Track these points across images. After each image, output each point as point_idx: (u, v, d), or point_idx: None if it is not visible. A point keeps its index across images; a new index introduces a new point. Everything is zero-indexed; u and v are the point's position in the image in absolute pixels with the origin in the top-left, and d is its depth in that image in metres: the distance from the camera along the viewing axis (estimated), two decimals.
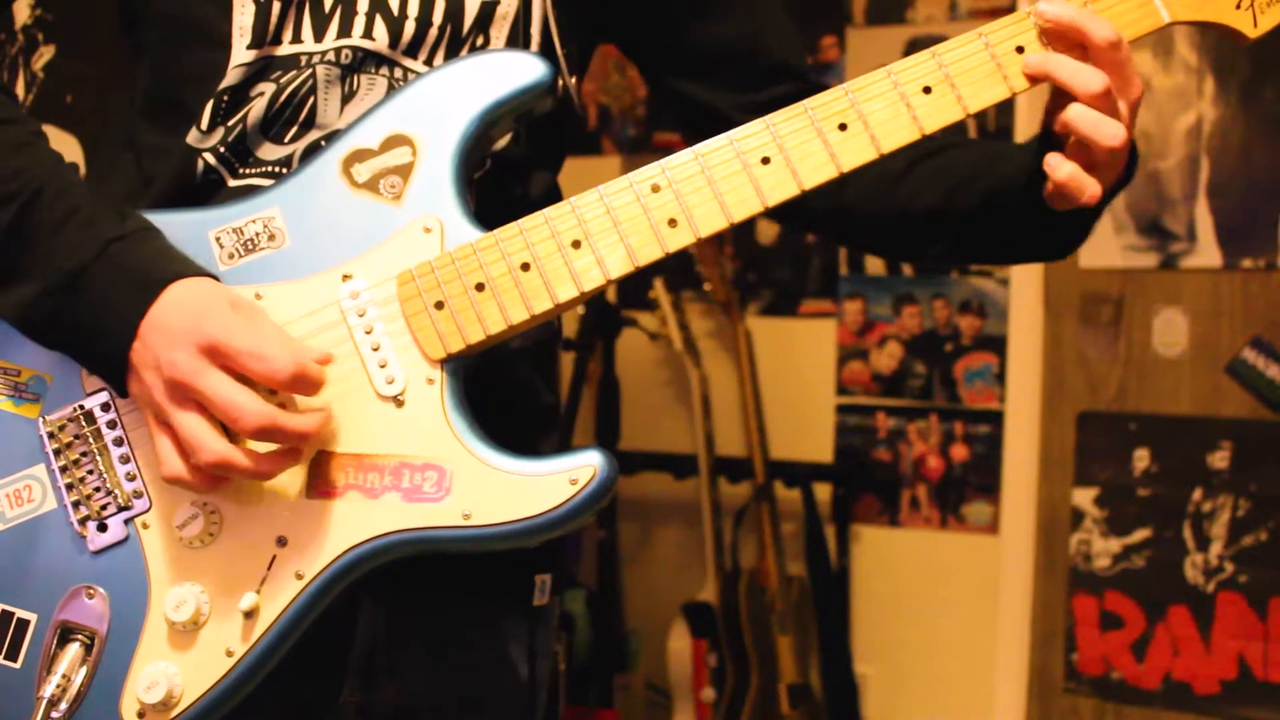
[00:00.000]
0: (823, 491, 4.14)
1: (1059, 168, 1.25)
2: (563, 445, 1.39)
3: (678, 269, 4.13)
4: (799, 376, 4.29)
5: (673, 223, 1.23)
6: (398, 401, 1.21)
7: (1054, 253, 1.42)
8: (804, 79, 1.49)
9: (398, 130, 1.25)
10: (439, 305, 1.22)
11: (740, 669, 3.93)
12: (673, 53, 1.52)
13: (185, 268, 1.21)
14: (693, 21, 1.49)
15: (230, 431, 1.17)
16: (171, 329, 1.17)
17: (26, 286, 1.21)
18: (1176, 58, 3.58)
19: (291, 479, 1.21)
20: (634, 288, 4.19)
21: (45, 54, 3.02)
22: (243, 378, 1.17)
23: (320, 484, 1.21)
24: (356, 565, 1.20)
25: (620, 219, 1.23)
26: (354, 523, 1.20)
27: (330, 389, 1.21)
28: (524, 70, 1.25)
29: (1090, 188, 1.25)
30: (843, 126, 1.24)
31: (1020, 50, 1.25)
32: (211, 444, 1.15)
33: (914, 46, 4.04)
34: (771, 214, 1.27)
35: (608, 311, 4.04)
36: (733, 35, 1.50)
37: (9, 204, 1.21)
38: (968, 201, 1.42)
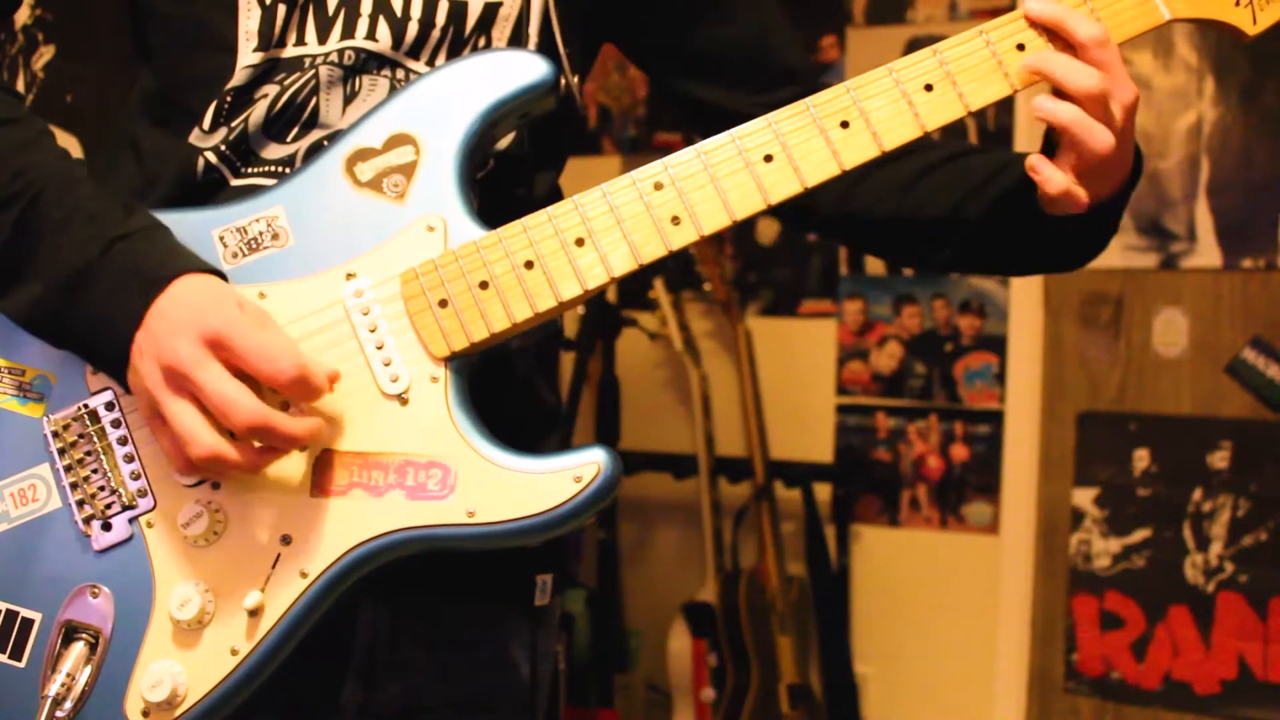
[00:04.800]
0: (823, 491, 4.14)
1: (1040, 169, 1.24)
2: (564, 445, 1.39)
3: (678, 269, 4.14)
4: (799, 376, 4.29)
5: (676, 220, 1.23)
6: (402, 400, 1.22)
7: (1061, 264, 1.41)
8: (812, 82, 1.46)
9: (401, 129, 1.25)
10: (443, 303, 1.22)
11: (740, 669, 3.93)
12: (675, 54, 1.51)
13: (191, 264, 1.21)
14: (695, 22, 1.49)
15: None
16: (175, 319, 1.16)
17: (32, 286, 1.21)
18: (1176, 58, 3.58)
19: (296, 477, 1.21)
20: (634, 288, 4.19)
21: (45, 54, 3.02)
22: (242, 375, 1.16)
23: (324, 482, 1.21)
24: (361, 563, 1.20)
25: (623, 216, 1.23)
26: (358, 521, 1.20)
27: (335, 388, 1.21)
28: (526, 69, 1.25)
29: (1077, 195, 1.24)
30: (845, 124, 1.24)
31: (1021, 48, 1.25)
32: (203, 436, 1.15)
33: (914, 46, 4.02)
34: (779, 215, 1.26)
35: (608, 311, 4.04)
36: (737, 37, 1.50)
37: (13, 205, 1.21)
38: (975, 211, 1.40)
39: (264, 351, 1.15)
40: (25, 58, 3.03)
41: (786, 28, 1.54)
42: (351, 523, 1.20)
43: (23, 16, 2.91)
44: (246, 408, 1.14)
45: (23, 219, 1.21)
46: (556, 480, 1.19)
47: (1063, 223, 1.31)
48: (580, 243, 1.23)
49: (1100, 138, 1.22)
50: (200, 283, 1.19)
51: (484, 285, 1.22)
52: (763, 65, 1.50)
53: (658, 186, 1.23)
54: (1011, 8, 3.84)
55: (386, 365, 1.22)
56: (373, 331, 1.22)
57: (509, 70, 1.25)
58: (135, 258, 1.20)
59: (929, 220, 1.44)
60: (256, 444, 1.18)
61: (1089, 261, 1.40)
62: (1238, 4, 1.28)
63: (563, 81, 1.35)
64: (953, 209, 1.42)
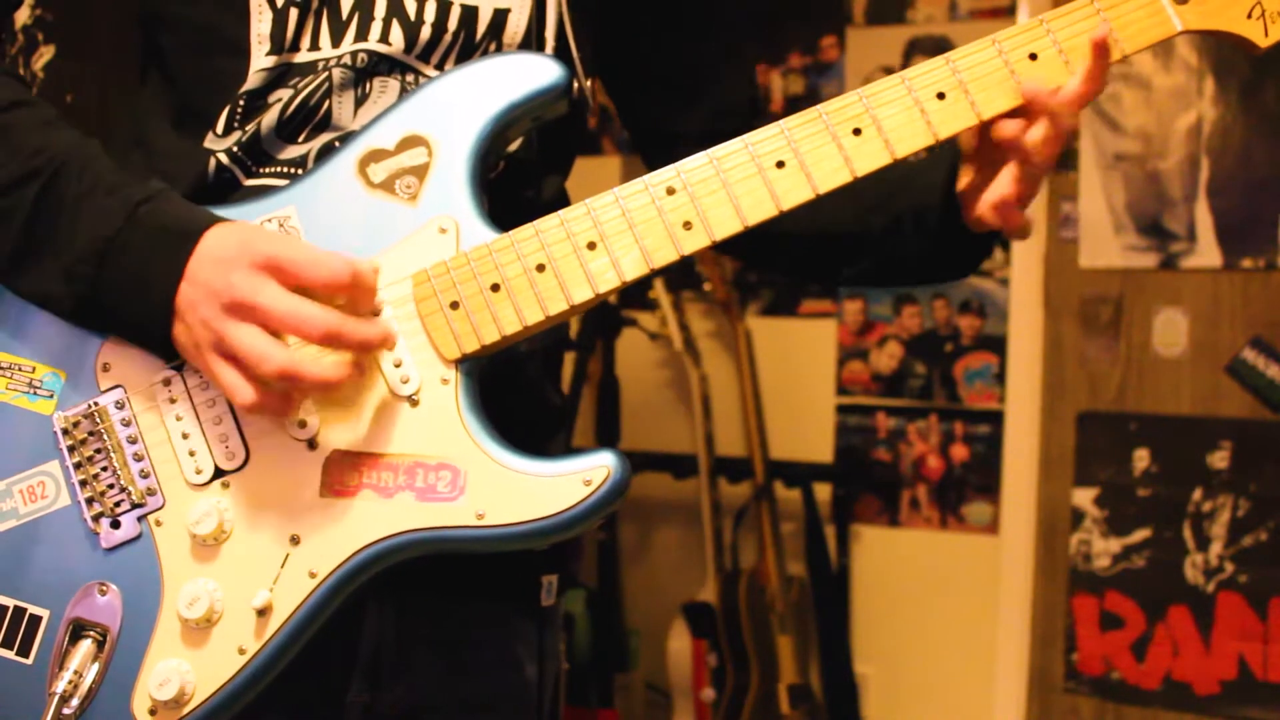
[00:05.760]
0: (823, 491, 4.15)
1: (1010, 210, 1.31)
2: (566, 446, 1.39)
3: (678, 269, 4.12)
4: (799, 376, 4.30)
5: (688, 225, 1.23)
6: (412, 401, 1.22)
7: (957, 271, 1.46)
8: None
9: (414, 131, 1.25)
10: (454, 305, 1.22)
11: (740, 669, 3.94)
12: (656, 70, 1.56)
13: (216, 217, 1.21)
14: (686, 31, 1.52)
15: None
16: (221, 257, 1.17)
17: (57, 261, 1.21)
18: (1176, 58, 3.58)
19: (305, 477, 1.21)
20: (634, 288, 4.17)
21: (45, 54, 3.02)
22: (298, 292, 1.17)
23: (334, 483, 1.21)
24: (369, 564, 1.20)
25: (635, 221, 1.23)
26: (367, 522, 1.20)
27: (345, 388, 1.21)
28: (540, 73, 1.25)
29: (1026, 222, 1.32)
30: (857, 131, 1.25)
31: (1034, 57, 1.26)
32: (276, 353, 1.15)
33: (914, 47, 4.05)
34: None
35: (608, 311, 4.04)
36: (709, 55, 1.54)
37: (33, 180, 1.21)
38: (882, 222, 1.44)
39: (317, 258, 1.16)
40: (25, 58, 3.03)
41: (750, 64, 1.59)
42: (361, 523, 1.20)
43: (23, 16, 2.91)
44: (319, 317, 1.15)
45: (44, 194, 1.21)
46: (566, 483, 1.19)
47: (968, 231, 1.37)
48: (592, 246, 1.23)
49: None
50: (232, 225, 1.20)
51: (495, 288, 1.22)
52: (734, 91, 1.55)
53: (670, 191, 1.23)
54: (1010, 8, 3.86)
55: (397, 366, 1.22)
56: None
57: (523, 73, 1.25)
58: (161, 217, 1.20)
59: (835, 234, 1.49)
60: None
61: (978, 267, 1.47)
62: (1249, 16, 1.28)
63: (575, 85, 1.35)
64: (858, 221, 1.46)
